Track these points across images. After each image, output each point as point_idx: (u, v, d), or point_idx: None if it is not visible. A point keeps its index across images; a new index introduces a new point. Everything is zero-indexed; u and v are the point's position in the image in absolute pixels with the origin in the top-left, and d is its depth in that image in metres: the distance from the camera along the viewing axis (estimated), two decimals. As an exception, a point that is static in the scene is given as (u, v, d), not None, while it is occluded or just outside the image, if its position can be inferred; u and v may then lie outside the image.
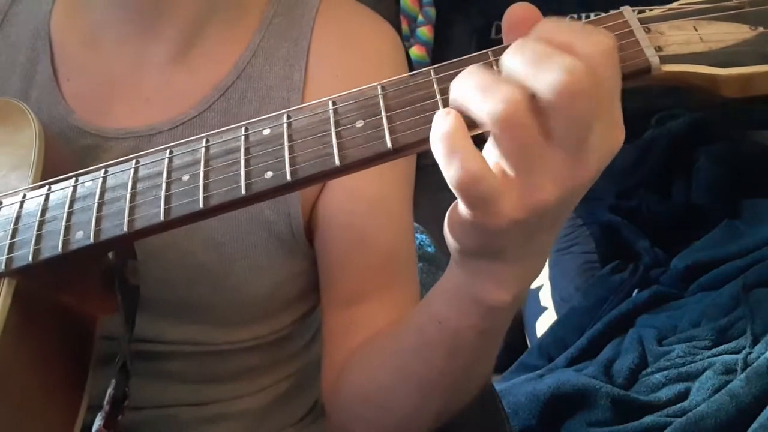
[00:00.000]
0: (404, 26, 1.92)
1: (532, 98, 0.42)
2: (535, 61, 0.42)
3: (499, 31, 1.90)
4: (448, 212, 0.47)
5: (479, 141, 0.44)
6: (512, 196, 0.44)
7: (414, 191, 0.77)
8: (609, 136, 0.44)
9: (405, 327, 0.62)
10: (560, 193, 0.44)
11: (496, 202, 0.43)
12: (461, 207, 0.45)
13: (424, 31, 1.90)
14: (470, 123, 0.43)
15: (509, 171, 0.43)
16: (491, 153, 0.44)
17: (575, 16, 1.88)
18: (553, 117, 0.42)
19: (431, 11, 1.92)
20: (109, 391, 0.62)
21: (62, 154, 0.67)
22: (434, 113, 0.46)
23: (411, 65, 1.80)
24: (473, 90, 0.43)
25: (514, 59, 0.43)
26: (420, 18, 1.92)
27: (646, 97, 1.67)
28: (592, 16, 1.91)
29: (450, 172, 0.43)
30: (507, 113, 0.41)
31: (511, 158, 0.43)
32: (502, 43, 0.47)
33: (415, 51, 1.87)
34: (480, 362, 0.61)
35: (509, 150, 0.43)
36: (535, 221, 0.45)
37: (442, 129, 0.43)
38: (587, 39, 0.42)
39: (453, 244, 0.49)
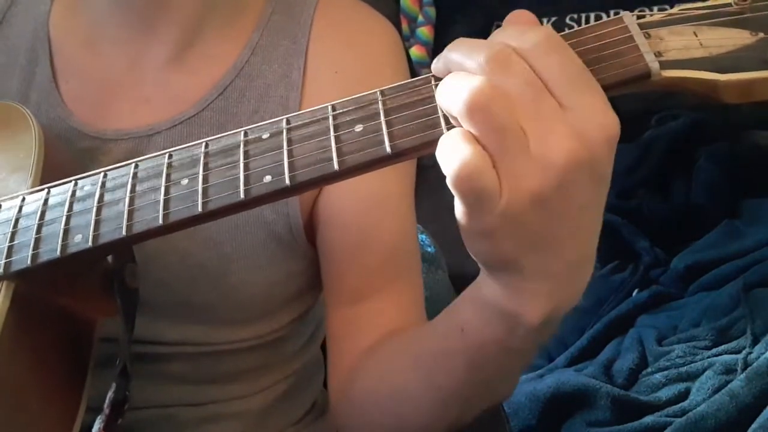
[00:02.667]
0: (404, 26, 1.91)
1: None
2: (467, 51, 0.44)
3: (499, 30, 1.89)
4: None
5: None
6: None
7: (414, 191, 0.77)
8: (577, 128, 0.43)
9: (428, 332, 0.61)
10: (546, 181, 0.42)
11: (489, 200, 0.43)
12: (458, 213, 0.45)
13: (424, 31, 1.89)
14: None
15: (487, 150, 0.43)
16: None
17: (575, 16, 1.87)
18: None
19: (431, 11, 1.91)
20: (110, 394, 0.61)
21: (62, 157, 0.67)
22: (433, 118, 0.46)
23: (411, 65, 1.79)
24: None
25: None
26: (420, 18, 1.91)
27: (646, 97, 1.66)
28: (592, 17, 1.90)
29: (451, 165, 0.42)
30: (470, 96, 0.42)
31: (481, 134, 0.43)
32: None
33: (415, 51, 1.86)
34: (503, 380, 0.59)
35: (479, 129, 0.43)
36: (528, 216, 0.43)
37: (450, 132, 0.44)
38: (521, 34, 0.44)
39: (473, 255, 0.47)
